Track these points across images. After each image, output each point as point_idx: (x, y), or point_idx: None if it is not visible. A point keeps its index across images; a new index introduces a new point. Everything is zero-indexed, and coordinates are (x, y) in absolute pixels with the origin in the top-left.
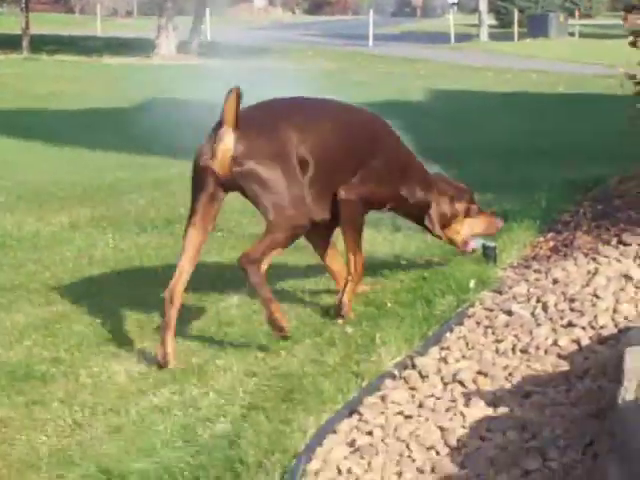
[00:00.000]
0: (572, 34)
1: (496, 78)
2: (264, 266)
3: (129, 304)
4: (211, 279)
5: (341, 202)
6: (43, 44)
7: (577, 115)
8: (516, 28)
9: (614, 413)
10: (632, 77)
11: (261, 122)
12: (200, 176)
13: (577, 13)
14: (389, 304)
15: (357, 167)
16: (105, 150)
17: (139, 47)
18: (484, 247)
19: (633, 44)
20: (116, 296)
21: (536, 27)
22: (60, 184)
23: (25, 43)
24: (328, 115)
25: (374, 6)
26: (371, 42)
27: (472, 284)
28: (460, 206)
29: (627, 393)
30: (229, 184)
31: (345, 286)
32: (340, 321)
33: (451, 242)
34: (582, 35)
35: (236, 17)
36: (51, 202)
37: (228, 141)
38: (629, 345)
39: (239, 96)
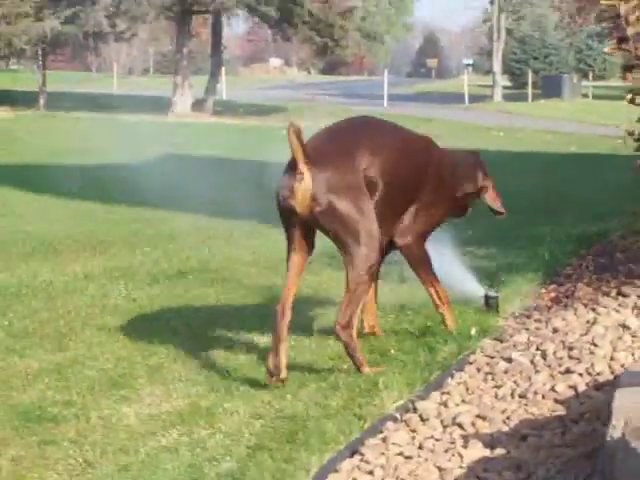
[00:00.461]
0: (585, 95)
1: (509, 137)
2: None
3: (139, 351)
4: (220, 326)
5: (402, 249)
6: (59, 101)
7: (586, 173)
8: (530, 89)
9: (603, 450)
10: (631, 134)
11: (334, 153)
12: (285, 214)
13: (591, 75)
14: (392, 351)
15: (416, 194)
16: (117, 204)
17: (155, 105)
18: (487, 297)
19: (632, 101)
20: (127, 343)
21: (550, 88)
22: (73, 236)
23: (42, 100)
24: (395, 139)
25: (389, 67)
26: (386, 102)
27: (474, 332)
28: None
29: (614, 431)
30: (311, 221)
31: (444, 317)
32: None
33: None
34: (595, 96)
35: (252, 76)
36: (64, 253)
37: (307, 181)
38: (620, 387)
39: (298, 131)
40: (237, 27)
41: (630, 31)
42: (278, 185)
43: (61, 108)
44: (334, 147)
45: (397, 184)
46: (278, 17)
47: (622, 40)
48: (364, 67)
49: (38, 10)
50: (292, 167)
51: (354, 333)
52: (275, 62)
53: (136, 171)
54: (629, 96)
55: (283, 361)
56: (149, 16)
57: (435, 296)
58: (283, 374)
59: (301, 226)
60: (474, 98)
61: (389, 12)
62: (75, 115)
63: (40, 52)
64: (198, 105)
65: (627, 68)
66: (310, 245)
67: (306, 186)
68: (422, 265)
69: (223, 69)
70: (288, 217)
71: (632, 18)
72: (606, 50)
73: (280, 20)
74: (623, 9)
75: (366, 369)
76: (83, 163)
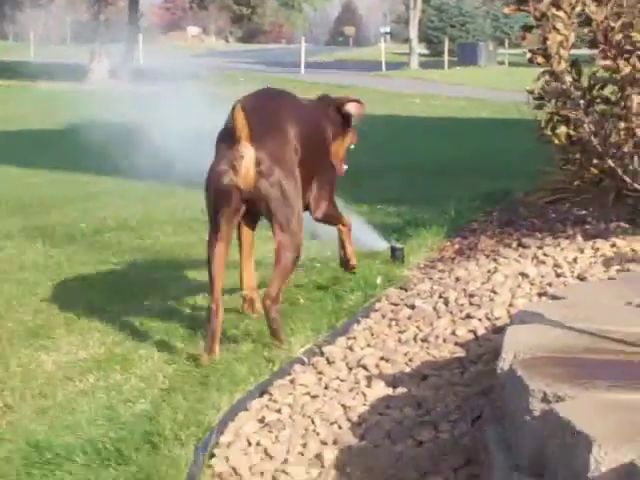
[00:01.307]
0: (502, 63)
1: (424, 104)
2: None
3: (57, 303)
4: (135, 280)
5: (320, 221)
6: None
7: (494, 137)
8: (446, 57)
9: (495, 383)
10: (531, 92)
11: (267, 125)
12: (222, 194)
13: (507, 42)
14: (301, 300)
15: (321, 160)
16: (35, 168)
17: (72, 72)
18: (392, 248)
19: (530, 60)
20: (45, 297)
21: (466, 56)
22: None
23: None
24: (306, 110)
25: (308, 35)
26: (303, 69)
27: (379, 281)
28: None
29: (504, 363)
30: (250, 198)
31: (344, 243)
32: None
33: None
34: (511, 64)
35: (170, 44)
36: None
37: (250, 156)
38: (513, 325)
39: (245, 110)
40: None
41: None
42: (215, 162)
43: None
44: (265, 121)
45: (312, 154)
46: None
47: (521, 1)
48: (282, 36)
49: None
50: (230, 142)
51: (280, 308)
52: (193, 30)
53: (54, 137)
54: (528, 55)
55: (217, 351)
56: None
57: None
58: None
59: (235, 210)
60: (391, 66)
61: None
62: None
63: None
64: (114, 72)
65: (526, 29)
66: (233, 235)
67: (250, 160)
68: (339, 222)
69: (140, 37)
70: (224, 197)
71: None
72: (505, 11)
73: None
74: None
75: (283, 337)
76: (1, 129)
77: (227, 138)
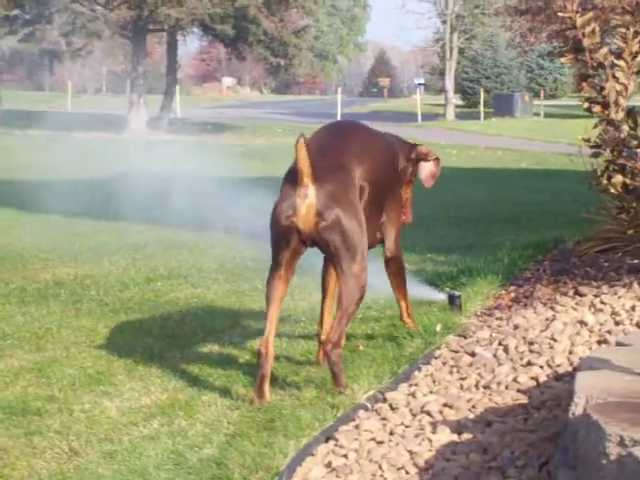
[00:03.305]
0: (537, 114)
1: (462, 155)
2: None
3: (116, 350)
4: (192, 326)
5: (390, 261)
6: (14, 119)
7: (537, 187)
8: (482, 108)
9: (566, 429)
10: (587, 140)
11: (331, 163)
12: (283, 234)
13: (542, 94)
14: (361, 347)
15: (387, 198)
16: (81, 217)
17: (109, 123)
18: (450, 296)
19: (588, 110)
20: (103, 344)
21: (502, 107)
22: (41, 247)
23: None
24: (380, 144)
25: (341, 87)
26: None
27: (439, 329)
28: None
29: (576, 408)
30: (311, 239)
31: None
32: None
33: None
34: (547, 115)
35: (204, 95)
36: (34, 262)
37: (311, 197)
38: (581, 370)
39: (308, 147)
40: (192, 45)
41: (586, 42)
42: (278, 202)
43: (16, 126)
44: (328, 159)
45: (379, 192)
46: (233, 35)
47: (578, 51)
48: (316, 87)
49: None
50: (293, 182)
51: (342, 353)
52: (228, 81)
53: (97, 186)
54: (586, 104)
55: (267, 394)
56: (105, 33)
57: (404, 309)
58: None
59: (295, 250)
60: (427, 117)
61: (342, 32)
62: (30, 133)
63: None
64: (153, 123)
65: (582, 77)
66: (293, 274)
67: (311, 201)
68: (401, 275)
69: (177, 88)
70: (285, 236)
71: (588, 30)
72: (563, 60)
73: (235, 38)
74: (579, 21)
75: (346, 391)
76: (40, 179)
77: (292, 177)
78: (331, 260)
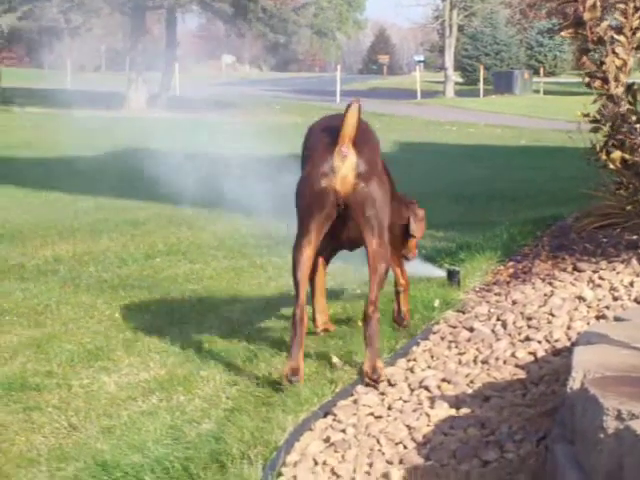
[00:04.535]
0: (537, 91)
1: (461, 132)
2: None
3: (114, 326)
4: (191, 302)
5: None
6: (14, 97)
7: (536, 164)
8: (481, 85)
9: (563, 403)
10: (586, 115)
11: (364, 139)
12: (318, 196)
13: (542, 71)
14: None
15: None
16: (82, 194)
17: (109, 100)
18: (449, 272)
19: (588, 85)
20: (102, 319)
21: (501, 84)
22: (41, 224)
23: None
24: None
25: (341, 64)
26: (338, 98)
27: (437, 304)
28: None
29: (574, 382)
30: (347, 201)
31: (399, 298)
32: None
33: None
34: (546, 92)
35: (204, 73)
36: (34, 239)
37: (352, 158)
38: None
39: (360, 111)
40: (191, 23)
41: (586, 16)
42: (311, 166)
43: (16, 104)
44: (361, 135)
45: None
46: (232, 13)
47: (578, 25)
48: (315, 64)
49: None
50: (328, 146)
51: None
52: (227, 59)
53: (99, 164)
54: (586, 79)
55: (302, 366)
56: (103, 10)
57: (399, 277)
58: (301, 379)
59: (328, 214)
60: (426, 94)
61: (341, 8)
62: (30, 110)
63: None
64: (152, 100)
65: (583, 51)
66: (319, 242)
67: (351, 162)
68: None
69: (176, 65)
70: (321, 198)
71: (589, 3)
72: (563, 35)
73: (234, 16)
74: None
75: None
76: (41, 156)
77: (324, 142)
78: (360, 225)
